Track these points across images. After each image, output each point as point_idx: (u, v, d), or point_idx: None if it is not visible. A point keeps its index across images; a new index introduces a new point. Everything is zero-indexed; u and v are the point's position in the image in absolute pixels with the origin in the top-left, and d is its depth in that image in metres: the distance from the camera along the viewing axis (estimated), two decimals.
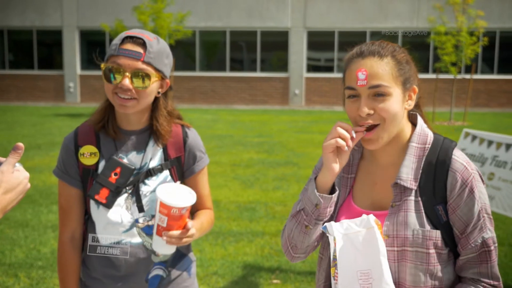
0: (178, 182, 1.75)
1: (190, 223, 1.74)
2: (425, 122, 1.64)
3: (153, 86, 1.84)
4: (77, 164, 1.91)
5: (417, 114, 1.62)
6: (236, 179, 7.85)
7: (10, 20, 21.56)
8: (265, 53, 21.66)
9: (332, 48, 21.16)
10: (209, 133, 12.62)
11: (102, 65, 1.81)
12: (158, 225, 1.72)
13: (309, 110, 19.84)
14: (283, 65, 21.56)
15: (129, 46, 1.79)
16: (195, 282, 2.08)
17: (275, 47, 21.59)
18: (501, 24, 20.47)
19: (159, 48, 1.83)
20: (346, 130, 1.51)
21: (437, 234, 1.49)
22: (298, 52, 21.24)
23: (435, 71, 18.49)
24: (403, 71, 1.53)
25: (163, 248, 1.76)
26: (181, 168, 1.97)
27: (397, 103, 1.50)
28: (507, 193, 4.32)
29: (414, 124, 1.62)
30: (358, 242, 1.45)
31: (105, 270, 1.93)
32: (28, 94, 21.83)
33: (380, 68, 1.50)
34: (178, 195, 1.72)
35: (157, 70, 1.83)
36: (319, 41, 21.25)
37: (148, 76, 1.79)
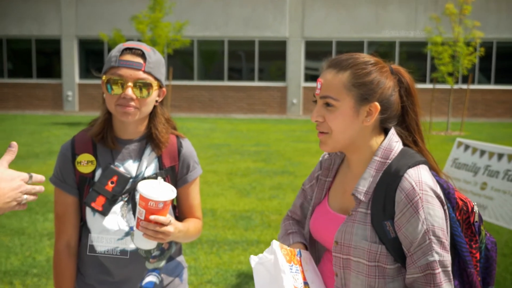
0: (160, 179, 1.79)
1: (168, 219, 1.76)
2: (416, 147, 1.64)
3: (154, 94, 1.89)
4: (74, 172, 1.94)
5: (392, 127, 1.63)
6: (232, 188, 7.88)
7: (8, 29, 21.64)
8: (263, 63, 21.75)
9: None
10: (206, 142, 12.65)
11: (104, 77, 1.85)
12: (137, 218, 1.76)
13: (306, 119, 19.88)
14: (281, 75, 21.65)
15: (129, 57, 1.84)
16: None
17: (273, 56, 21.68)
18: (498, 35, 20.60)
19: (157, 58, 1.89)
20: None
21: (378, 248, 1.52)
22: (296, 61, 21.34)
23: (432, 81, 18.57)
24: (360, 86, 1.56)
25: (142, 243, 1.79)
26: (175, 177, 2.00)
27: (345, 116, 1.56)
28: (500, 202, 4.36)
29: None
30: (271, 268, 1.59)
31: (99, 276, 1.96)
32: (27, 103, 21.86)
33: (334, 81, 1.58)
34: (158, 190, 1.75)
35: (156, 79, 1.88)
36: (317, 50, 21.35)
37: (149, 85, 1.85)
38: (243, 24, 21.29)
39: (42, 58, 22.14)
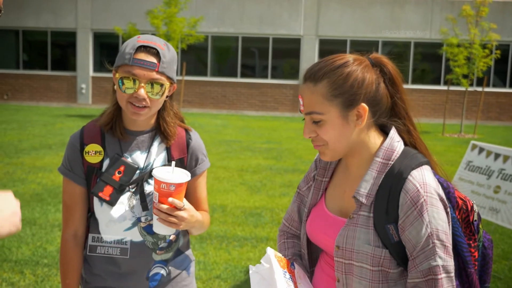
0: (174, 163, 1.80)
1: (181, 203, 1.77)
2: (410, 137, 1.60)
3: (165, 93, 1.89)
4: (82, 162, 1.94)
5: (393, 126, 1.58)
6: (243, 185, 7.88)
7: (25, 21, 21.81)
8: (276, 60, 21.73)
9: None
10: (218, 138, 12.67)
11: (117, 75, 1.85)
12: (153, 203, 1.77)
13: None
14: (294, 73, 21.61)
15: (143, 56, 1.82)
16: (193, 281, 2.11)
17: (286, 54, 21.65)
18: None
19: (170, 57, 1.88)
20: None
21: (382, 252, 1.48)
22: (310, 59, 21.27)
23: (446, 82, 18.44)
24: (341, 92, 1.49)
25: (159, 228, 1.80)
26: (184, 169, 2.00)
27: (335, 126, 1.51)
28: None
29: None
30: (266, 274, 1.60)
31: (106, 267, 1.96)
32: (41, 95, 22.03)
33: (313, 95, 1.51)
34: (171, 174, 1.76)
35: (168, 78, 1.88)
36: (331, 49, 21.24)
37: (162, 85, 1.84)
38: (258, 21, 21.27)
39: (57, 50, 22.29)
